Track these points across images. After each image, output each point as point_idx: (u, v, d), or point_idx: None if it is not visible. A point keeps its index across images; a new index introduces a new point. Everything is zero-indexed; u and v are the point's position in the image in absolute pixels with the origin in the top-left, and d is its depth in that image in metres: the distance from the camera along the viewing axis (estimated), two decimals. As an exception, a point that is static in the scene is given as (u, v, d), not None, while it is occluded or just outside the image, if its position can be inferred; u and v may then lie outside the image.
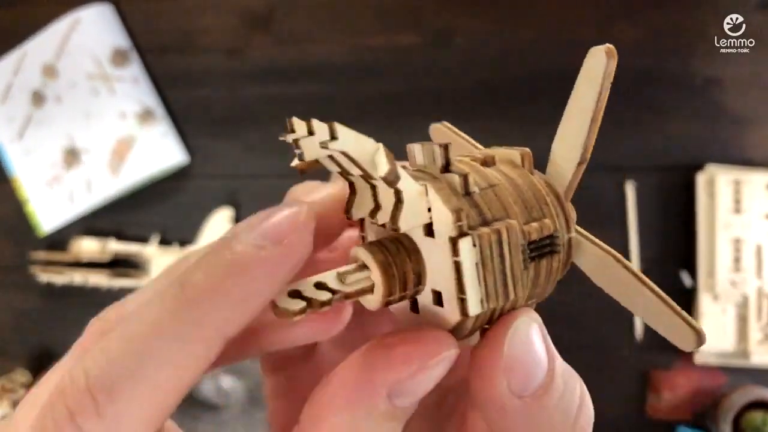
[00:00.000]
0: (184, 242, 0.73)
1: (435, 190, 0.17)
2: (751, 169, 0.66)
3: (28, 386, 0.75)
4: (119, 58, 0.75)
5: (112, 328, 0.16)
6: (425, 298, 0.18)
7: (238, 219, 0.72)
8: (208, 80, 0.75)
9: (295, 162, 0.18)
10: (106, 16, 0.75)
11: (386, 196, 0.17)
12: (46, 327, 0.77)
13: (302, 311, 0.16)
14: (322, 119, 0.16)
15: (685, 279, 0.66)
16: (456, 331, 0.18)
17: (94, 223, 0.75)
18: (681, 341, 0.18)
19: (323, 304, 0.16)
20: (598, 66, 0.18)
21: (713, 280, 0.64)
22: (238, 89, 0.74)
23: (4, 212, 0.77)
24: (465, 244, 0.16)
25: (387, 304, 0.17)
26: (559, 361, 0.17)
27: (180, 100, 0.75)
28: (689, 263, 0.66)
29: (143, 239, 0.74)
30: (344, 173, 0.18)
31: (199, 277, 0.16)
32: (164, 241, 0.74)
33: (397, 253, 0.17)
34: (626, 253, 0.67)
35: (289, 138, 0.17)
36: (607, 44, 0.18)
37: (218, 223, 0.72)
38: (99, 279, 0.72)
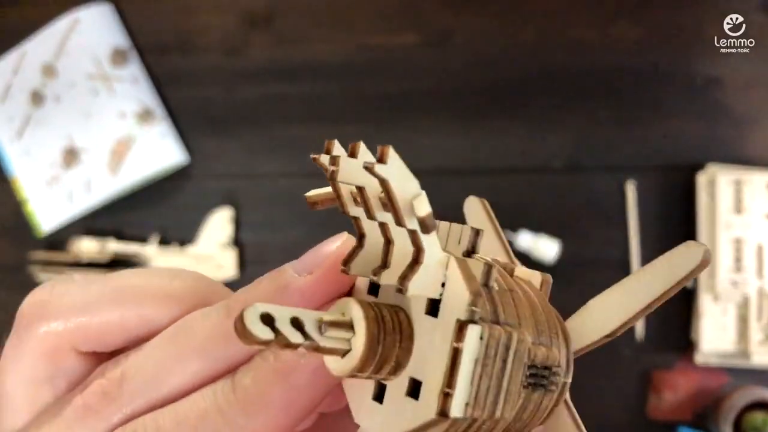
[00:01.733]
0: (183, 242, 0.73)
1: (457, 265, 0.16)
2: (752, 168, 0.66)
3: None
4: (119, 58, 0.75)
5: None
6: (397, 387, 0.16)
7: (237, 219, 0.72)
8: (207, 80, 0.75)
9: (312, 192, 0.17)
10: (106, 16, 0.75)
11: (399, 256, 0.16)
12: (46, 327, 0.77)
13: (265, 344, 0.14)
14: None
15: (686, 279, 0.66)
16: None
17: (94, 223, 0.75)
18: None
19: (287, 346, 0.14)
20: (689, 261, 0.17)
21: (714, 280, 0.64)
22: (237, 89, 0.74)
23: (3, 212, 0.77)
24: (473, 331, 0.15)
25: (351, 376, 0.16)
26: None
27: (180, 100, 0.75)
28: (689, 263, 0.66)
29: (143, 239, 0.74)
30: (358, 221, 0.16)
31: (249, 381, 0.17)
32: (164, 241, 0.73)
33: (391, 332, 0.16)
34: (626, 253, 0.67)
35: (324, 158, 0.16)
36: (707, 247, 0.17)
37: (218, 223, 0.72)
38: (98, 279, 0.72)
